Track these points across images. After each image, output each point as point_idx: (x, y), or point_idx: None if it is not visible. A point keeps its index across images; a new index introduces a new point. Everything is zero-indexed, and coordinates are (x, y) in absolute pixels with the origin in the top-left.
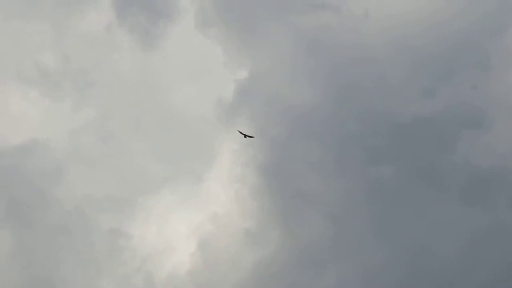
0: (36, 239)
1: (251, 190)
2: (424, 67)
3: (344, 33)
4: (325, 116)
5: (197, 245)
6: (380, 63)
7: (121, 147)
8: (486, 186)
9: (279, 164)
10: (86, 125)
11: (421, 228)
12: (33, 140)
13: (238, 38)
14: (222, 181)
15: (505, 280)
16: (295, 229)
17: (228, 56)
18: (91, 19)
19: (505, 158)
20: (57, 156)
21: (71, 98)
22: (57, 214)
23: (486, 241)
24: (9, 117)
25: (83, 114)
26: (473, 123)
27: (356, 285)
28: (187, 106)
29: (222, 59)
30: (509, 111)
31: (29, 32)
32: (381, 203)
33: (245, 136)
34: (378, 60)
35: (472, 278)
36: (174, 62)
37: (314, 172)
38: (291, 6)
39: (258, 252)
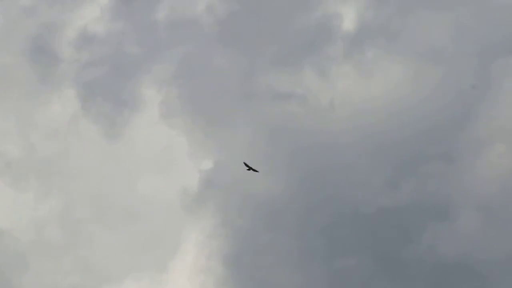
0: None
1: (216, 282)
2: (388, 156)
3: (309, 122)
4: (289, 206)
5: None
6: (345, 152)
7: (86, 236)
8: (452, 278)
9: (244, 255)
10: (51, 215)
11: None
12: None
13: (203, 129)
14: (187, 272)
15: None
16: None
17: (192, 146)
18: (56, 109)
19: (471, 249)
20: (21, 246)
21: (36, 188)
22: None
23: None
24: None
25: (48, 204)
26: (439, 214)
27: None
28: (152, 196)
29: (186, 150)
30: (475, 202)
31: None
32: None
33: (250, 169)
34: (343, 149)
35: None
36: (139, 152)
37: (278, 263)
38: (257, 96)
39: None
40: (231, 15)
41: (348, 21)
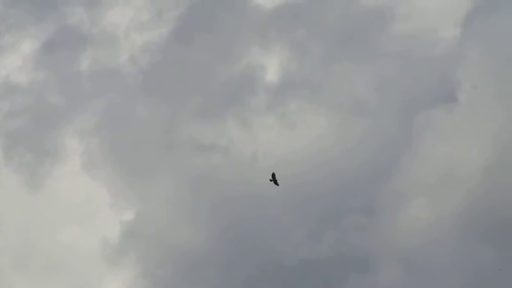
0: None
1: None
2: (310, 208)
3: (231, 173)
4: (210, 257)
5: None
6: (267, 204)
7: (6, 287)
8: None
9: None
10: None
11: None
12: None
13: (125, 180)
14: None
15: None
16: None
17: (114, 197)
18: None
19: None
20: None
21: None
22: None
23: None
24: None
25: None
26: (360, 267)
27: None
28: (73, 246)
29: (108, 200)
30: (395, 254)
31: None
32: None
33: (273, 180)
34: (265, 201)
35: None
36: (60, 203)
37: None
38: (179, 147)
39: None
40: (154, 65)
41: (272, 72)
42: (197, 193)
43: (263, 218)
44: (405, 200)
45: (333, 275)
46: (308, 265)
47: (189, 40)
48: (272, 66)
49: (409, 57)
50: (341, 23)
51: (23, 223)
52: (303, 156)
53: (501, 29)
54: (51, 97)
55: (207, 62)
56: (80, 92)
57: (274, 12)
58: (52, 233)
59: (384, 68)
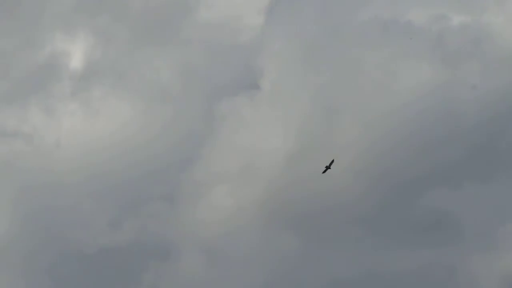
0: None
1: None
2: (112, 197)
3: (34, 161)
4: (13, 245)
5: None
6: (69, 192)
7: None
8: None
9: None
10: None
11: None
12: None
13: None
14: None
15: None
16: None
17: None
18: None
19: None
20: None
21: None
22: None
23: None
24: None
25: None
26: (161, 255)
27: None
28: None
29: None
30: (197, 243)
31: None
32: None
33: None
34: (67, 189)
35: None
36: None
37: None
38: None
39: None
40: None
41: (75, 59)
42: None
43: (65, 206)
44: (207, 190)
45: (134, 263)
46: (108, 253)
47: None
48: (76, 52)
49: (213, 44)
50: (145, 10)
51: None
52: (106, 144)
53: (304, 17)
54: None
55: (9, 48)
56: None
57: None
58: None
59: (188, 55)
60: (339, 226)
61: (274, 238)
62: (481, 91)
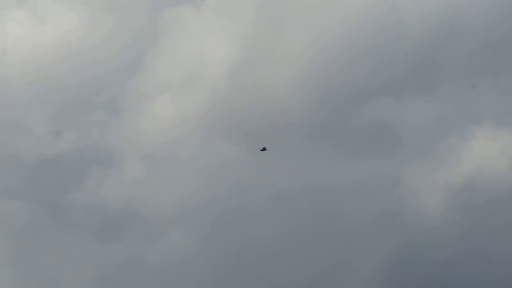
0: None
1: None
2: (53, 103)
3: None
4: None
5: None
6: (14, 97)
7: None
8: (116, 222)
9: None
10: None
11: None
12: None
13: None
14: None
15: None
16: None
17: None
18: None
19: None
20: None
21: None
22: None
23: (122, 274)
24: None
25: None
26: (103, 162)
27: None
28: None
29: None
30: (139, 151)
31: None
32: (17, 240)
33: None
34: (13, 94)
35: None
36: None
37: None
38: None
39: None
40: None
41: None
42: None
43: (6, 109)
44: (150, 99)
45: (76, 170)
46: (50, 160)
47: None
48: None
49: None
50: None
51: None
52: (52, 51)
53: None
54: None
55: None
56: None
57: None
58: None
59: None
60: (280, 136)
61: (214, 147)
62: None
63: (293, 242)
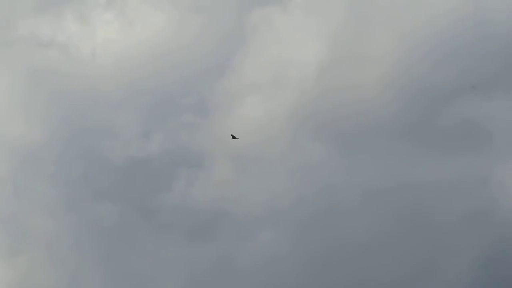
0: None
1: None
2: (143, 106)
3: (70, 69)
4: (46, 151)
5: None
6: (103, 99)
7: None
8: (206, 223)
9: (2, 202)
10: None
11: (146, 264)
12: None
13: None
14: None
15: None
16: None
17: None
18: None
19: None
20: None
21: None
22: None
23: (213, 274)
24: None
25: None
26: (191, 163)
27: None
28: None
29: None
30: (228, 152)
31: None
32: (107, 242)
33: (233, 137)
34: (102, 96)
35: None
36: None
37: (41, 210)
38: (15, 43)
39: None
40: None
41: None
42: (33, 87)
43: (95, 112)
44: (238, 100)
45: (164, 172)
46: (139, 162)
47: None
48: None
49: None
50: None
51: None
52: (140, 53)
53: None
54: None
55: None
56: None
57: None
58: None
59: None
60: (368, 136)
61: (303, 147)
62: None
63: (382, 241)
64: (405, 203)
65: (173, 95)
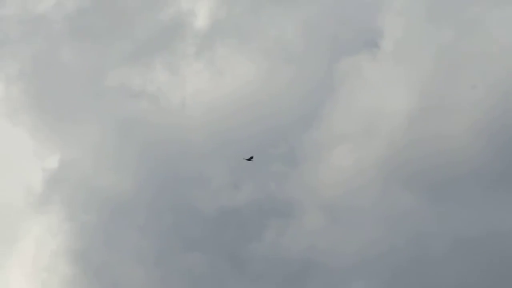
0: None
1: (61, 280)
2: (234, 155)
3: (159, 119)
4: (136, 201)
5: None
6: (194, 150)
7: None
8: (297, 273)
9: (93, 251)
10: None
11: None
12: None
13: (48, 126)
14: (25, 269)
15: None
16: None
17: (37, 143)
18: None
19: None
20: None
21: None
22: None
23: None
24: None
25: None
26: (281, 213)
27: None
28: None
29: (31, 147)
30: (318, 202)
31: None
32: None
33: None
34: (192, 146)
35: None
36: None
37: (128, 259)
38: (107, 93)
39: None
40: (81, 11)
41: (200, 18)
42: (123, 138)
43: (185, 162)
44: (327, 149)
45: (255, 222)
46: (229, 212)
47: None
48: (201, 11)
49: (336, 2)
50: None
51: None
52: (230, 103)
53: None
54: None
55: (136, 8)
56: (6, 37)
57: None
58: None
59: (310, 14)
60: (460, 183)
61: (393, 197)
62: None
63: None
64: (498, 251)
65: (262, 145)
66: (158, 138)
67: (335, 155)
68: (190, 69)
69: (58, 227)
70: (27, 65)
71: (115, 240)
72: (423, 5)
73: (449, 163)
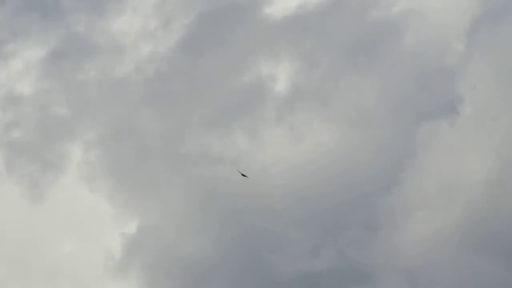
0: None
1: None
2: (313, 223)
3: (239, 185)
4: (217, 269)
5: None
6: (273, 218)
7: None
8: None
9: None
10: None
11: None
12: None
13: (127, 192)
14: None
15: None
16: None
17: (116, 209)
18: None
19: None
20: None
21: None
22: None
23: None
24: None
25: None
26: (361, 281)
27: None
28: (73, 261)
29: (110, 213)
30: (398, 269)
31: None
32: None
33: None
34: (271, 214)
35: None
36: (61, 215)
37: None
38: (186, 159)
39: None
40: (161, 75)
41: (280, 83)
42: (203, 204)
43: (268, 231)
44: (407, 214)
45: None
46: (306, 278)
47: (197, 50)
48: (281, 77)
49: (414, 68)
50: (349, 35)
51: (25, 234)
52: (311, 169)
53: (506, 40)
54: (55, 107)
55: (215, 73)
56: (85, 102)
57: (283, 23)
58: (54, 245)
59: (390, 79)
60: None
61: (475, 267)
62: None
63: None
64: None
65: (342, 212)
66: (238, 204)
67: (414, 221)
68: (271, 135)
69: None
70: (105, 130)
71: None
72: (504, 67)
73: None
